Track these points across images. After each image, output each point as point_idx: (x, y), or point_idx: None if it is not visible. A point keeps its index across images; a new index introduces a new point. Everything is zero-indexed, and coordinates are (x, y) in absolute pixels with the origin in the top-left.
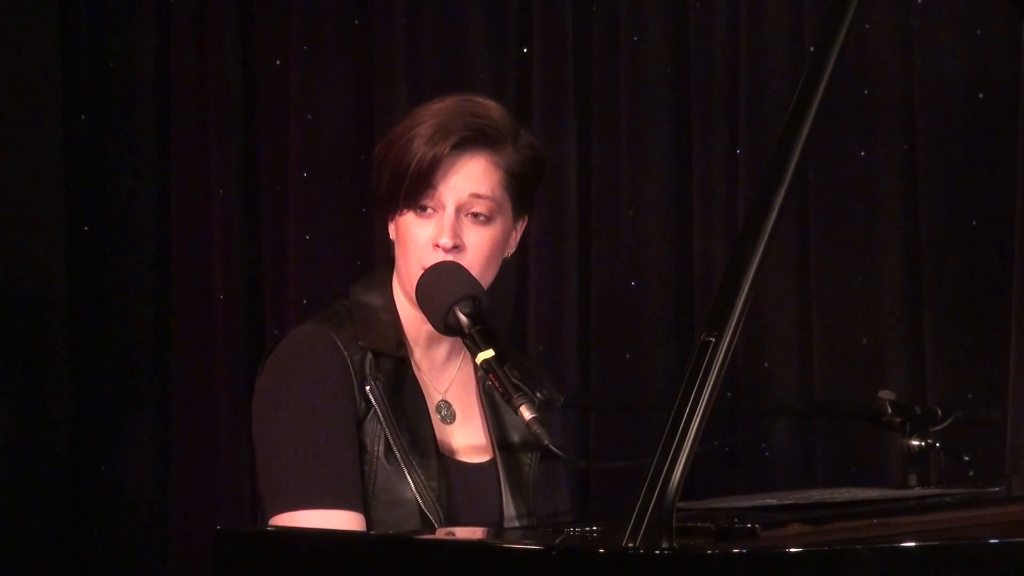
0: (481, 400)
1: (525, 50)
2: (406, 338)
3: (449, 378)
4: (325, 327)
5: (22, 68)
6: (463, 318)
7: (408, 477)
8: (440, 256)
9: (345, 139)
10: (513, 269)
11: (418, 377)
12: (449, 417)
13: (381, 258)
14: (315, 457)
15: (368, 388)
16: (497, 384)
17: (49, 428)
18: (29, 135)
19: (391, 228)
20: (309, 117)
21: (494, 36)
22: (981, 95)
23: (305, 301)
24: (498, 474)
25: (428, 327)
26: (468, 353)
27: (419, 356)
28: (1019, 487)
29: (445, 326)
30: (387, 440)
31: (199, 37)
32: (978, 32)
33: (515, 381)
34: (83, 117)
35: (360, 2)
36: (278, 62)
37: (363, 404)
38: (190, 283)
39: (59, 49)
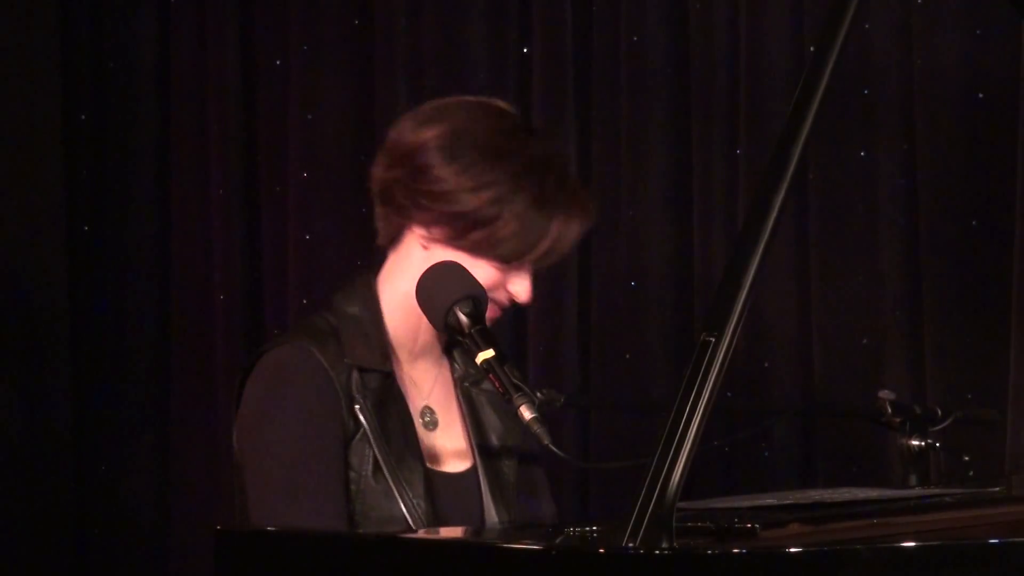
0: (460, 404)
1: (525, 50)
2: (392, 349)
3: (431, 383)
4: (309, 346)
5: (22, 68)
6: (463, 318)
7: (397, 495)
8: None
9: (345, 139)
10: None
11: (402, 388)
12: (432, 424)
13: (359, 266)
14: (301, 484)
15: (357, 407)
16: (497, 384)
17: (50, 428)
18: (29, 135)
19: (430, 242)
20: (309, 117)
21: (494, 36)
22: (981, 95)
23: (305, 301)
24: (479, 482)
25: (416, 336)
26: (447, 360)
27: (405, 365)
28: (1019, 487)
29: (445, 326)
30: (375, 459)
31: (199, 37)
32: (978, 32)
33: (515, 381)
34: (83, 117)
35: (360, 2)
36: (278, 62)
37: (351, 424)
38: (190, 283)
39: (59, 49)
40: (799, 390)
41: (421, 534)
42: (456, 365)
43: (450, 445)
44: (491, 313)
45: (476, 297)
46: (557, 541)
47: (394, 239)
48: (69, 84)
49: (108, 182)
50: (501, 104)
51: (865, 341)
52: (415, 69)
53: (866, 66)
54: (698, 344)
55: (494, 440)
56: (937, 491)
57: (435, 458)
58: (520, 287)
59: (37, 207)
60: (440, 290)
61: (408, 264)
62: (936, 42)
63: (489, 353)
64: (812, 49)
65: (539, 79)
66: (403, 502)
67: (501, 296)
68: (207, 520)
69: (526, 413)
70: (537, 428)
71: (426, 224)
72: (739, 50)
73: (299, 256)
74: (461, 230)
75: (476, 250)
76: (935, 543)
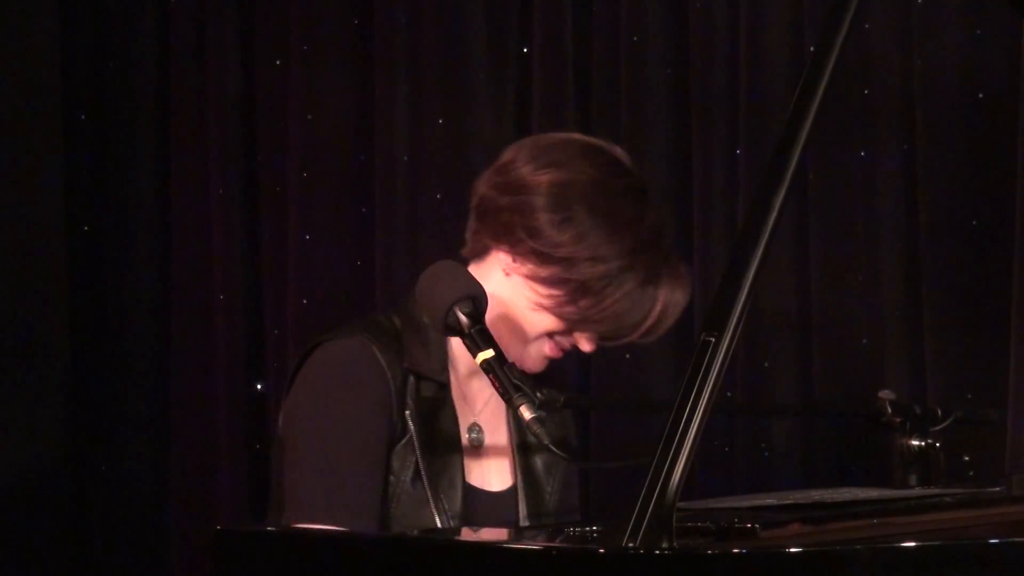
0: (509, 426)
1: (525, 50)
2: (451, 361)
3: (484, 401)
4: (371, 344)
5: (22, 68)
6: (463, 318)
7: (432, 505)
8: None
9: (345, 139)
10: None
11: (455, 401)
12: (478, 440)
13: None
14: (340, 475)
15: (408, 413)
16: (497, 384)
17: (49, 428)
18: (29, 135)
19: (513, 271)
20: (309, 117)
21: (494, 36)
22: (981, 95)
23: (305, 301)
24: (517, 503)
25: None
26: None
27: (462, 379)
28: (1019, 487)
29: (445, 326)
30: (417, 467)
31: (199, 38)
32: (978, 32)
33: (515, 381)
34: (83, 117)
35: (360, 2)
36: (278, 62)
37: (399, 427)
38: (190, 283)
39: (59, 49)
40: (799, 390)
41: (421, 535)
42: None
43: (493, 464)
44: (551, 352)
45: (476, 297)
46: (557, 541)
47: (479, 255)
48: (69, 84)
49: (108, 182)
50: (620, 155)
51: (865, 341)
52: (415, 69)
53: (866, 66)
54: (698, 344)
55: (539, 466)
56: (937, 491)
57: (476, 474)
58: (586, 341)
59: (37, 207)
60: (440, 289)
61: (484, 283)
62: (936, 42)
63: (489, 353)
64: (812, 49)
65: (539, 79)
66: (437, 513)
67: (565, 341)
68: (207, 520)
69: (526, 413)
70: (537, 428)
71: (514, 255)
72: (739, 50)
73: (299, 256)
74: (565, 296)
75: (573, 323)
76: (935, 543)
